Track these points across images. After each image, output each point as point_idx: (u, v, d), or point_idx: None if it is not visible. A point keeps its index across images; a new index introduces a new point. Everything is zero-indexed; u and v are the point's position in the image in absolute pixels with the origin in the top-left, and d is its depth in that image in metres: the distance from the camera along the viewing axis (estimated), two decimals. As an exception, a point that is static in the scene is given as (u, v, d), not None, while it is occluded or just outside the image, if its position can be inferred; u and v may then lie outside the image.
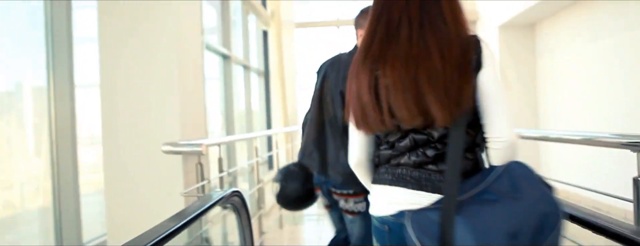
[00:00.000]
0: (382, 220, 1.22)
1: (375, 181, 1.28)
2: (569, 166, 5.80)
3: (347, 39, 8.24)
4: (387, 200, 1.21)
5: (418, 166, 1.17)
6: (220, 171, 2.56)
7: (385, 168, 1.24)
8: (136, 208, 2.19)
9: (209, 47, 4.13)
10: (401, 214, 1.14)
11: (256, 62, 6.73)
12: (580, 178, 5.51)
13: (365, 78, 1.20)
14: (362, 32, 1.91)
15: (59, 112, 2.23)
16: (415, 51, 1.14)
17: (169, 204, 2.10)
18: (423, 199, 1.14)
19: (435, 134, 1.16)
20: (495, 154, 1.13)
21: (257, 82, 6.74)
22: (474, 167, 1.16)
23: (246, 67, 5.86)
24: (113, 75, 2.18)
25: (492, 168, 1.10)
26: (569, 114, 5.83)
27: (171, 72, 2.15)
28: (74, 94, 2.27)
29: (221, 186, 2.56)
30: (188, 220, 1.33)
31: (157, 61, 2.17)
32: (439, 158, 1.15)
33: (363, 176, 1.35)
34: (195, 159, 2.17)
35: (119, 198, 2.20)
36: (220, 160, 2.57)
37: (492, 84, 1.12)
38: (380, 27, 1.21)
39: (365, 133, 1.28)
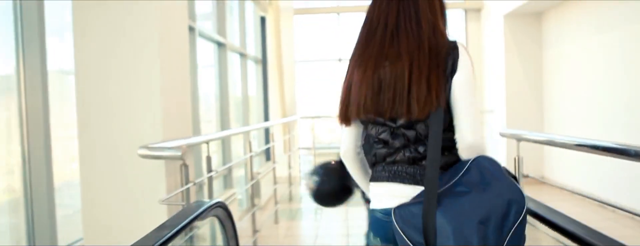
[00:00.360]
0: (386, 212, 1.26)
1: (373, 179, 1.34)
2: (571, 161, 5.63)
3: (348, 26, 8.00)
4: (390, 194, 1.27)
5: (412, 162, 1.25)
6: (209, 170, 2.37)
7: (382, 167, 1.31)
8: (115, 213, 2.00)
9: (202, 35, 3.92)
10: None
11: (253, 49, 6.52)
12: (582, 171, 5.35)
13: (347, 79, 1.33)
14: None
15: (30, 102, 2.03)
16: (386, 52, 1.25)
17: (150, 210, 1.92)
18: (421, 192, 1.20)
19: (422, 132, 1.24)
20: (461, 154, 1.23)
21: (254, 70, 6.54)
22: (454, 162, 1.24)
23: (243, 55, 5.65)
24: (88, 66, 1.97)
25: (462, 162, 1.20)
26: (575, 108, 5.64)
27: (152, 63, 1.94)
28: (46, 82, 2.06)
29: (210, 187, 2.37)
30: (162, 242, 1.14)
31: (136, 51, 1.96)
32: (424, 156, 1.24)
33: (350, 164, 1.44)
34: (179, 160, 1.97)
35: (96, 202, 2.02)
36: (208, 159, 2.37)
37: (462, 89, 1.20)
38: (363, 31, 1.33)
39: (346, 126, 1.38)
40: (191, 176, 2.19)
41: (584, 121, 5.45)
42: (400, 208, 1.16)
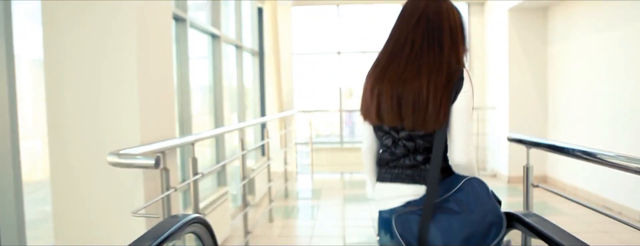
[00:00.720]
0: (393, 211, 1.45)
1: (379, 179, 1.54)
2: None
3: (347, 18, 7.80)
4: (394, 194, 1.47)
5: (411, 167, 1.46)
6: (195, 173, 2.21)
7: (385, 169, 1.52)
8: (89, 222, 1.84)
9: (194, 26, 3.74)
10: (407, 204, 1.43)
11: (250, 41, 6.34)
12: (585, 169, 5.20)
13: (368, 89, 1.49)
14: None
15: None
16: (408, 71, 1.40)
17: (128, 219, 1.76)
18: (419, 190, 1.43)
19: (420, 145, 1.44)
20: (453, 168, 1.43)
21: (250, 63, 6.36)
22: (447, 167, 1.44)
23: (239, 47, 5.47)
24: (59, 61, 1.80)
25: (455, 178, 1.40)
26: (580, 105, 5.47)
27: (129, 56, 1.76)
28: (13, 72, 1.87)
29: (195, 192, 2.21)
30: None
31: (111, 43, 1.79)
32: (426, 161, 1.44)
33: (368, 160, 1.62)
34: (152, 168, 1.80)
35: (68, 210, 1.85)
36: (194, 160, 2.21)
37: (458, 116, 1.37)
38: (388, 46, 1.48)
39: (368, 123, 1.54)
40: (174, 181, 2.03)
41: (588, 119, 5.29)
42: (401, 215, 1.37)
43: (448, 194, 1.35)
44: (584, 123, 5.39)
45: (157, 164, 1.47)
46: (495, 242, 1.29)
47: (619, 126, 4.71)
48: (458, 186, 1.35)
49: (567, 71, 5.82)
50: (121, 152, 1.50)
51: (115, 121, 1.81)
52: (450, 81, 1.36)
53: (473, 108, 1.42)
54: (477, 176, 1.42)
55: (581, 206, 1.88)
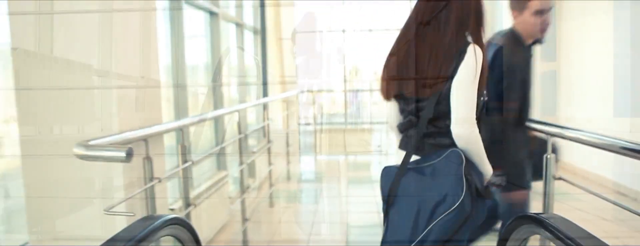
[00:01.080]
0: None
1: (398, 146, 1.66)
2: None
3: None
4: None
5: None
6: (184, 161, 2.05)
7: (402, 137, 1.64)
8: (65, 217, 1.69)
9: (189, 2, 3.55)
10: None
11: (252, 19, 6.12)
12: (599, 153, 5.01)
13: (386, 63, 1.61)
14: (516, 13, 2.21)
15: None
16: (415, 46, 1.51)
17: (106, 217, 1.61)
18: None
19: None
20: (456, 141, 1.47)
21: (252, 42, 6.15)
22: (449, 144, 1.49)
23: (239, 25, 5.27)
24: (28, 44, 1.62)
25: (445, 150, 1.46)
26: (595, 87, 5.25)
27: (104, 37, 1.58)
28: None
29: (185, 183, 2.06)
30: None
31: (84, 23, 1.61)
32: (428, 135, 1.52)
33: (394, 133, 1.71)
34: (141, 152, 1.65)
35: (42, 204, 1.70)
36: (183, 148, 2.04)
37: (456, 88, 1.44)
38: (405, 22, 1.58)
39: (387, 100, 1.66)
40: (161, 170, 1.88)
41: (601, 98, 5.08)
42: (387, 167, 1.57)
43: (430, 161, 1.47)
44: (595, 102, 5.19)
45: (128, 156, 1.30)
46: (448, 212, 1.36)
47: (632, 106, 4.52)
48: (441, 156, 1.45)
49: (579, 49, 5.58)
50: (90, 143, 1.32)
51: (90, 107, 1.65)
52: (449, 53, 1.44)
53: (479, 85, 1.44)
54: (482, 154, 1.47)
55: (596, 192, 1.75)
